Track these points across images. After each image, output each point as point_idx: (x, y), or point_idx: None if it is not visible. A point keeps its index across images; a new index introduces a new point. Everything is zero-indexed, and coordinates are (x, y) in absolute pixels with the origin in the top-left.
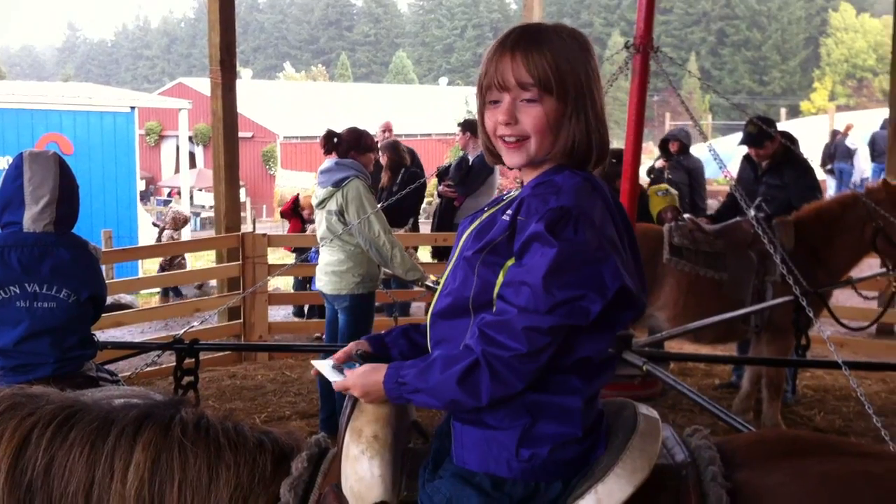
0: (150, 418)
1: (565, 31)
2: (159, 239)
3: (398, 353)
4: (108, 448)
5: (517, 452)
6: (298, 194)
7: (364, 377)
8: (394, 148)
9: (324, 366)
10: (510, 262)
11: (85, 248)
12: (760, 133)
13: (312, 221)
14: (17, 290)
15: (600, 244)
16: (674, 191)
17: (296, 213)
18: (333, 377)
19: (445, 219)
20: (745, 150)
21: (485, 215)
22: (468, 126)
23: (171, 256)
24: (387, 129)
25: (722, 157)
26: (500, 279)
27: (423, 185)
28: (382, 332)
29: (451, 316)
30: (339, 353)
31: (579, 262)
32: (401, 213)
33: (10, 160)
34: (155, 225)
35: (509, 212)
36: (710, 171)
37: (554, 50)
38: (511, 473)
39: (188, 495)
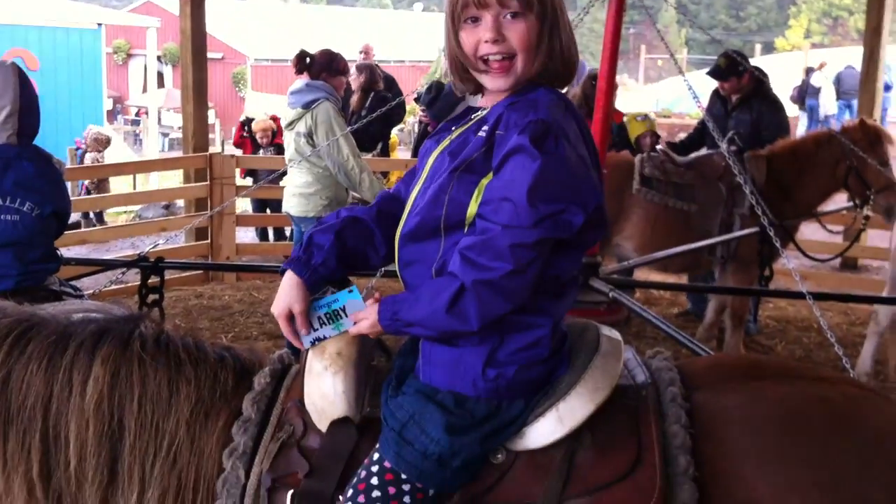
0: (108, 333)
1: None
2: (81, 161)
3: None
4: (66, 362)
5: (483, 372)
6: (250, 121)
7: (373, 314)
8: (370, 70)
9: (331, 330)
10: (485, 181)
11: (49, 161)
12: (729, 66)
13: (265, 146)
14: None
15: (578, 159)
16: (652, 116)
17: (250, 137)
18: (344, 326)
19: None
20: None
21: (454, 134)
22: None
23: (99, 179)
24: (366, 51)
25: (696, 91)
26: (476, 197)
27: (397, 111)
28: (313, 252)
29: (421, 238)
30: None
31: (562, 175)
32: (368, 137)
33: None
34: (77, 148)
35: (485, 128)
36: (685, 106)
37: None
38: (476, 392)
39: (148, 409)
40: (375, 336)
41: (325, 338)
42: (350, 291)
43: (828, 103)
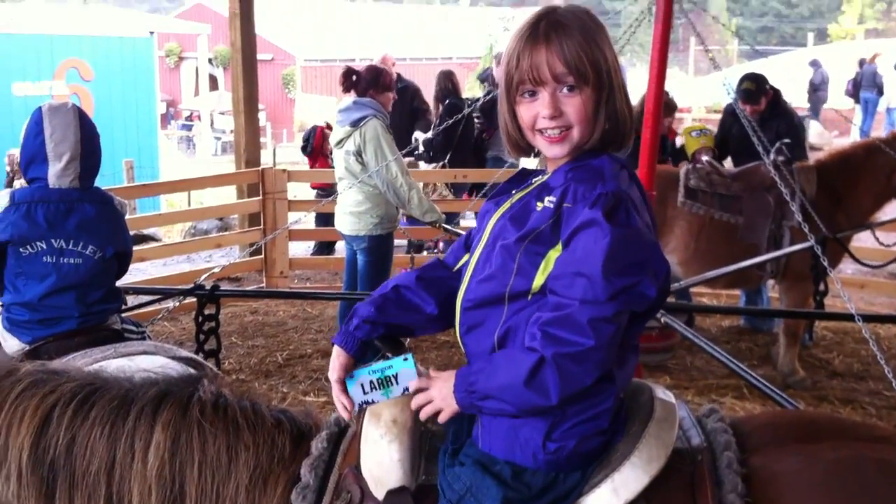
0: (168, 397)
1: (582, 12)
2: (10, 185)
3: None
4: (128, 428)
5: (544, 444)
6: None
7: (445, 387)
8: (447, 77)
9: (361, 391)
10: (553, 253)
11: (111, 203)
12: (758, 88)
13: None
14: (44, 246)
15: (647, 229)
16: (709, 131)
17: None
18: (394, 393)
19: (476, 151)
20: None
21: (513, 199)
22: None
23: None
24: (383, 62)
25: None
26: (542, 269)
27: (467, 119)
28: (353, 322)
29: (485, 304)
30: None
31: (634, 248)
32: (440, 147)
33: (32, 85)
34: (8, 174)
35: (551, 199)
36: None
37: (583, 37)
38: (535, 464)
39: (208, 476)
40: (449, 416)
41: (373, 402)
42: (405, 360)
43: (892, 95)
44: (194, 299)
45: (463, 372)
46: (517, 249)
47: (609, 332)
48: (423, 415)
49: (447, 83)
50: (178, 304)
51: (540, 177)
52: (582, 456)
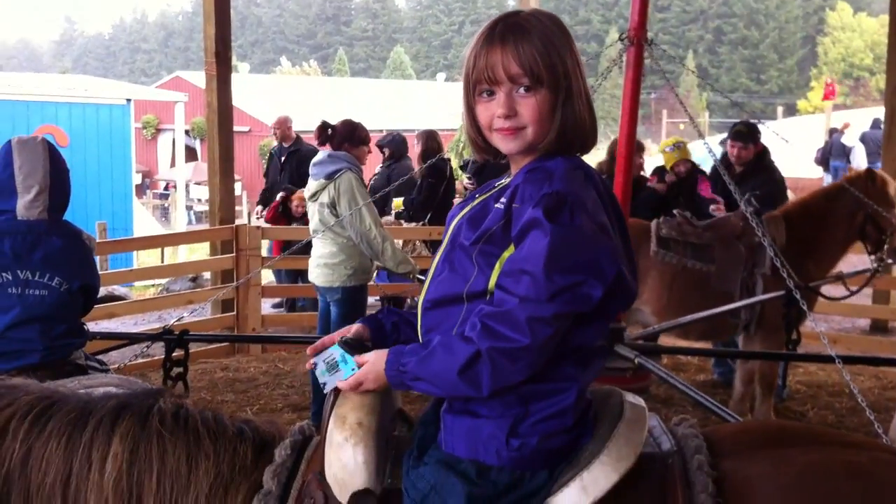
0: (127, 408)
1: (545, 16)
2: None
3: (391, 327)
4: (85, 439)
5: (507, 441)
6: (285, 197)
7: (374, 366)
8: (430, 137)
9: (321, 372)
10: (507, 253)
11: (78, 237)
12: (749, 132)
13: (299, 218)
14: (10, 277)
15: (595, 229)
16: (682, 143)
17: (285, 213)
18: (336, 378)
19: None
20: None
21: (476, 202)
22: None
23: None
24: (280, 124)
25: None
26: (497, 269)
27: (448, 179)
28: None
29: (444, 304)
30: (318, 344)
31: (577, 247)
32: (423, 205)
33: None
34: None
35: (503, 199)
36: (708, 168)
37: (541, 40)
38: (500, 462)
39: (167, 486)
40: (376, 389)
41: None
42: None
43: (861, 163)
44: (163, 355)
45: (396, 351)
46: (473, 250)
47: (545, 333)
48: (345, 386)
49: (431, 142)
50: (145, 349)
51: (503, 180)
52: (547, 453)
